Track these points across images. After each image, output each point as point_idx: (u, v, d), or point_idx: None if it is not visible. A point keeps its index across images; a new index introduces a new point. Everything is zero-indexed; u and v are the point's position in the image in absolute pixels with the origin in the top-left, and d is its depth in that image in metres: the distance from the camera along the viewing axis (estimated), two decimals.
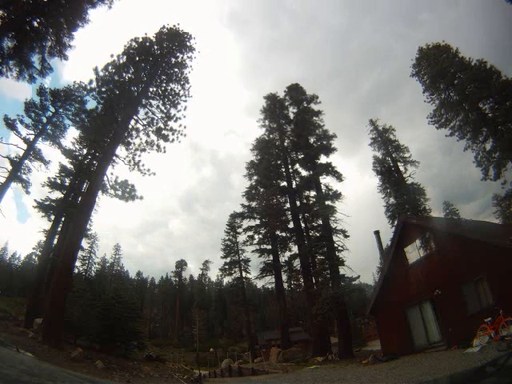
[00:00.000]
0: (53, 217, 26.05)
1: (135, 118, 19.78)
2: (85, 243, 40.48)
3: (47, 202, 26.58)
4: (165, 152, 20.37)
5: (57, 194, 27.46)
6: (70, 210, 23.65)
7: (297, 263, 29.83)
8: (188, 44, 22.88)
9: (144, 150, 19.70)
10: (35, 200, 26.72)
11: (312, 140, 30.32)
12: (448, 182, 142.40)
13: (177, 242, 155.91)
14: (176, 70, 21.86)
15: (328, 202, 26.02)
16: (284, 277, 33.50)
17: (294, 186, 32.41)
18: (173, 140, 20.26)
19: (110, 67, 19.09)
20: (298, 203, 31.53)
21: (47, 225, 26.68)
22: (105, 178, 17.80)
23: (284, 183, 33.23)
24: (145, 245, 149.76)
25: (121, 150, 19.37)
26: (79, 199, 25.54)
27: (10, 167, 23.42)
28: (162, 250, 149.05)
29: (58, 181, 27.68)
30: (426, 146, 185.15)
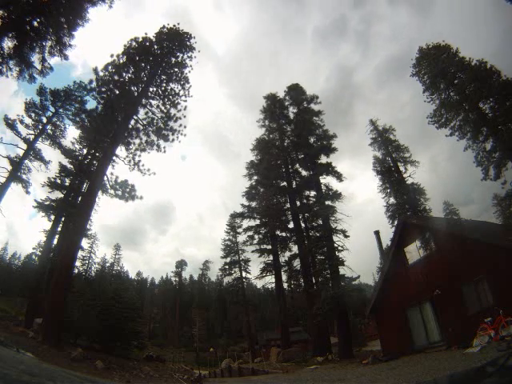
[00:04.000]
0: (53, 217, 26.05)
1: (135, 117, 19.79)
2: (85, 243, 40.44)
3: (47, 202, 26.57)
4: (165, 152, 20.45)
5: (57, 194, 27.50)
6: (70, 209, 23.65)
7: (297, 263, 29.78)
8: (188, 44, 22.87)
9: (144, 149, 19.73)
10: (35, 200, 26.77)
11: (312, 140, 30.34)
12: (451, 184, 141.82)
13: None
14: (176, 69, 21.85)
15: (328, 202, 26.04)
16: (284, 277, 33.44)
17: (294, 185, 32.38)
18: (173, 140, 20.32)
19: (109, 67, 19.08)
20: (298, 203, 31.49)
21: (47, 225, 26.74)
22: (105, 178, 17.80)
23: (284, 183, 33.21)
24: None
25: (121, 150, 19.37)
26: (79, 199, 25.55)
27: (9, 167, 23.46)
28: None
29: (58, 181, 27.64)
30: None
